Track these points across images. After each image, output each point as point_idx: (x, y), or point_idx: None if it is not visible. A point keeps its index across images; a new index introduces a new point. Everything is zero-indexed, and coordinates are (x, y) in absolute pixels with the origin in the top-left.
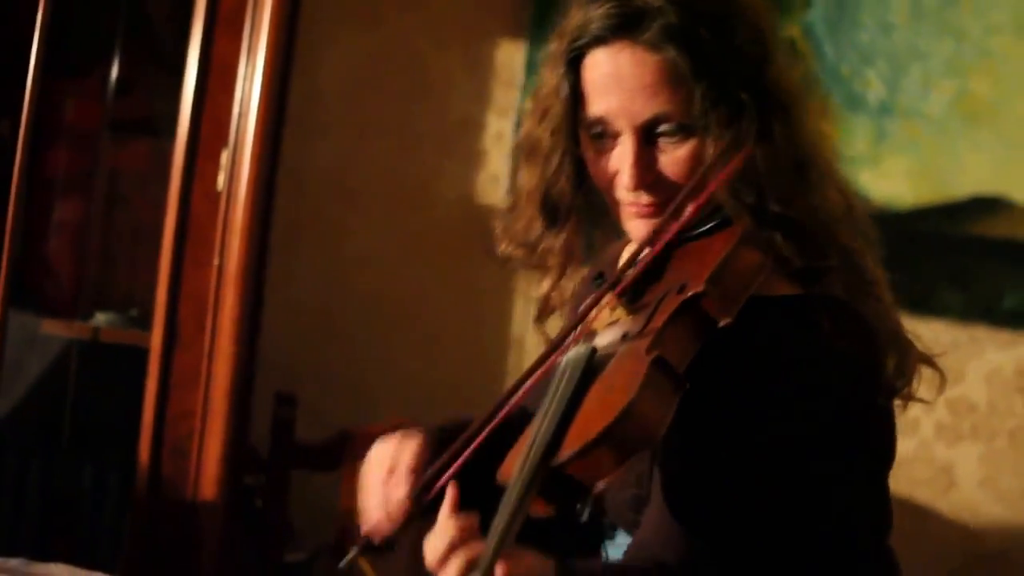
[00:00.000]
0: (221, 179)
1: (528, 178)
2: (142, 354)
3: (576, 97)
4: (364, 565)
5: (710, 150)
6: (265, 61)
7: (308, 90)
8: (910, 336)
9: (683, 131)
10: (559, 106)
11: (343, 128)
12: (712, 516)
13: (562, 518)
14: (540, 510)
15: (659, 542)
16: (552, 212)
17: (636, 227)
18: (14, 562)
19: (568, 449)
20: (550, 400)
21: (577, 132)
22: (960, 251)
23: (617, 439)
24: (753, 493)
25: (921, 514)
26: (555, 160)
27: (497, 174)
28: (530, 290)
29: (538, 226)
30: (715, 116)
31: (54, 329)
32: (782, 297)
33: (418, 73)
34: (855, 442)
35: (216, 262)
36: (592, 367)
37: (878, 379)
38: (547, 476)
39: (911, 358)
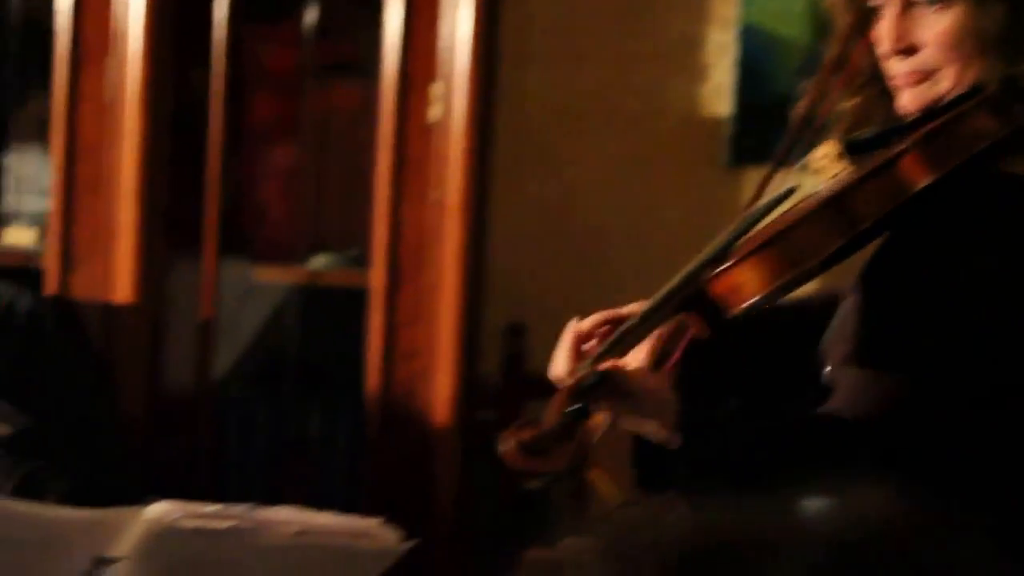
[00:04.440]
0: (434, 112)
1: (828, 49)
2: (363, 295)
3: None
4: (599, 477)
5: (972, 24)
6: None
7: (520, 19)
8: None
9: (940, 0)
10: None
11: (559, 54)
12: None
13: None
14: (695, 328)
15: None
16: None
17: (901, 99)
18: (240, 508)
19: (719, 266)
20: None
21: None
22: None
23: (763, 258)
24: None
25: None
26: (842, 28)
27: (721, 86)
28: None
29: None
30: None
31: (271, 276)
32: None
33: None
34: None
35: (434, 196)
36: (781, 201)
37: None
38: (695, 290)
39: None
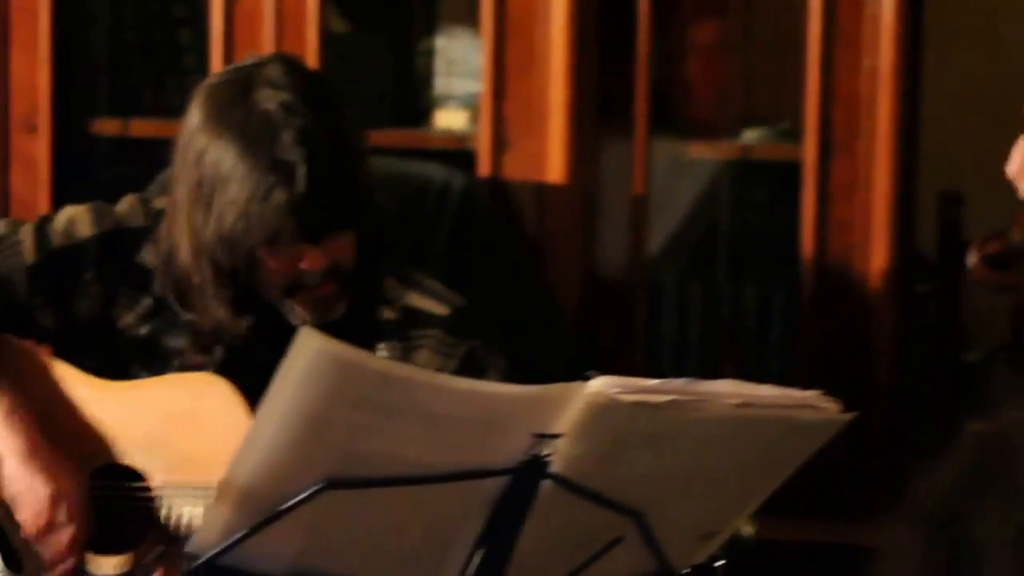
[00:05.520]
0: None
1: None
2: (795, 168)
3: None
4: None
5: None
6: None
7: None
8: None
9: None
10: None
11: None
12: None
13: None
14: None
15: None
16: None
17: None
18: (679, 382)
19: None
20: None
21: None
22: None
23: None
24: None
25: None
26: None
27: None
28: None
29: None
30: None
31: (702, 152)
32: None
33: None
34: None
35: (867, 64)
36: None
37: None
38: None
39: None
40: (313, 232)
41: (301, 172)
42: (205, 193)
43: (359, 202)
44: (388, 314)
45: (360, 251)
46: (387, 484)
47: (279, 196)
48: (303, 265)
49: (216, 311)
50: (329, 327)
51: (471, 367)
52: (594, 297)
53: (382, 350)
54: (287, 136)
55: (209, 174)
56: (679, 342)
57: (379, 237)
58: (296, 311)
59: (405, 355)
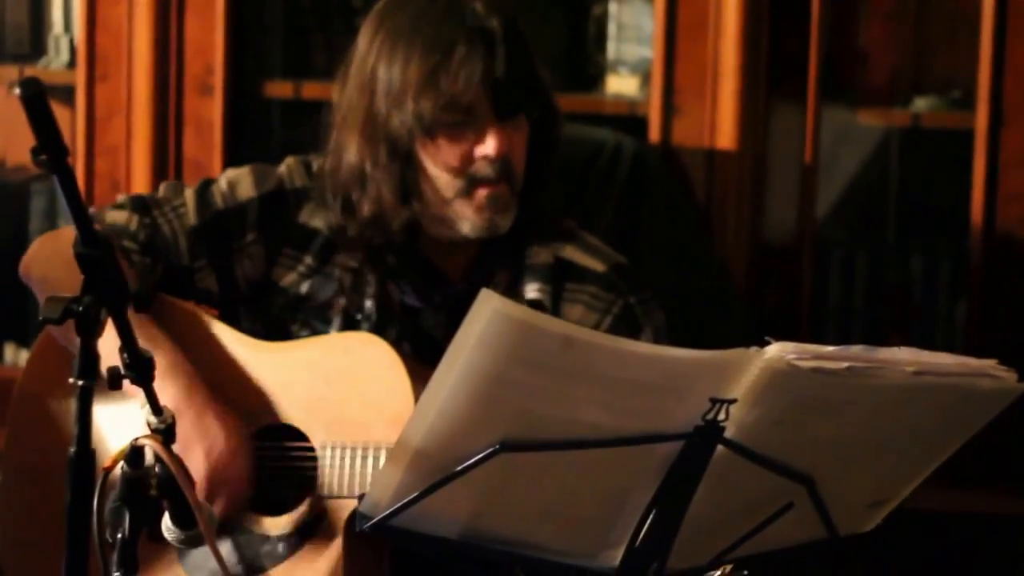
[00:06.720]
0: None
1: None
2: (966, 137)
3: None
4: None
5: None
6: None
7: None
8: None
9: None
10: None
11: None
12: None
13: None
14: None
15: None
16: None
17: None
18: (856, 348)
19: None
20: None
21: None
22: None
23: None
24: None
25: None
26: None
27: None
28: None
29: None
30: None
31: (872, 119)
32: None
33: None
34: None
35: None
36: None
37: None
38: None
39: None
40: (501, 104)
41: (498, 40)
42: (381, 77)
43: (541, 90)
44: (542, 257)
45: (529, 163)
46: (562, 447)
47: (475, 61)
48: (482, 149)
49: (382, 193)
50: (480, 261)
51: (626, 323)
52: (761, 263)
53: (532, 291)
54: (479, 6)
55: (387, 56)
56: (845, 309)
57: (549, 151)
58: (466, 216)
59: (555, 303)
